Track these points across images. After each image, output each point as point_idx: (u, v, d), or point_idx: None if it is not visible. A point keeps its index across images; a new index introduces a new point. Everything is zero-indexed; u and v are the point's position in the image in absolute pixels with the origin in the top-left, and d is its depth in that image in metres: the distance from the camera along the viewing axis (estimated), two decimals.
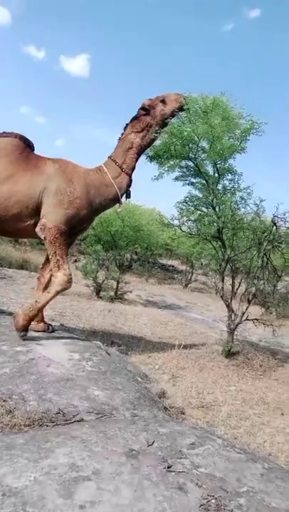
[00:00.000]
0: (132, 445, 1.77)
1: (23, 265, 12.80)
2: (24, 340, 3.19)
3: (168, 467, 1.63)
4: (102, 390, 2.54)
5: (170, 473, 1.59)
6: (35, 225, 3.47)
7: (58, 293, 3.39)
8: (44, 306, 3.39)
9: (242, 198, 5.58)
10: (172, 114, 4.12)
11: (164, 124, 4.08)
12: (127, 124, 3.92)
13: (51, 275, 3.47)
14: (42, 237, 3.40)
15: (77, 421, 2.05)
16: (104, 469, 1.54)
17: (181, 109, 4.19)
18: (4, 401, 2.11)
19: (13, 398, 2.17)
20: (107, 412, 2.25)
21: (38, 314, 3.39)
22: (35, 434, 1.82)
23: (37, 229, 3.42)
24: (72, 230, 3.58)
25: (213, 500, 1.47)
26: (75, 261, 14.49)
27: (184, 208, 5.85)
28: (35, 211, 3.45)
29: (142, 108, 3.87)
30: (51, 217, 3.39)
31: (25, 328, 3.24)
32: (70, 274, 3.41)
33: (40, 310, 3.38)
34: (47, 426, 1.94)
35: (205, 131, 4.69)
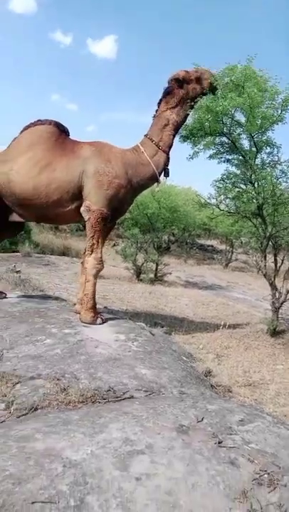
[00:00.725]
0: (182, 421, 1.81)
1: (64, 252, 13.20)
2: (103, 323, 3.40)
3: (219, 442, 1.65)
4: (149, 368, 2.60)
5: (221, 448, 1.61)
6: (75, 209, 3.53)
7: (95, 276, 3.50)
8: (94, 293, 3.49)
9: (283, 172, 5.33)
10: (203, 93, 4.01)
11: (194, 101, 3.97)
12: (161, 100, 3.81)
13: None
14: (86, 218, 3.46)
15: (128, 398, 2.12)
16: (156, 444, 1.59)
17: (212, 89, 4.06)
18: (58, 379, 2.22)
19: (66, 377, 2.28)
20: (156, 389, 2.31)
21: (95, 302, 3.49)
22: (89, 410, 1.91)
23: (82, 209, 3.47)
24: (114, 213, 3.61)
25: (265, 475, 1.48)
26: (114, 245, 14.70)
27: (221, 186, 5.70)
28: (76, 196, 3.50)
29: (176, 79, 3.74)
30: (93, 199, 3.43)
31: (95, 319, 3.39)
32: (101, 258, 3.49)
33: (93, 298, 3.48)
34: (99, 403, 2.03)
35: (241, 103, 4.48)
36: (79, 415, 1.82)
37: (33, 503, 1.20)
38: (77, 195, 3.49)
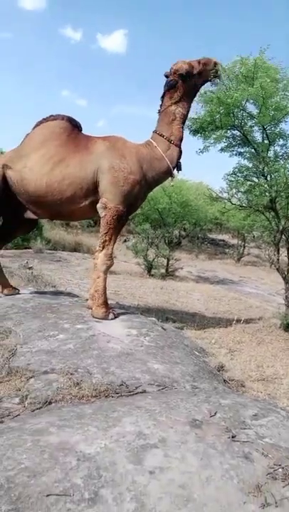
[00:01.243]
0: (195, 415, 1.80)
1: (75, 248, 13.26)
2: (115, 318, 3.42)
3: (232, 437, 1.64)
4: (162, 363, 2.60)
5: (235, 442, 1.61)
6: (90, 205, 3.52)
7: (105, 272, 3.50)
8: (105, 289, 3.50)
9: None
10: (204, 83, 3.95)
11: (195, 93, 3.92)
12: (164, 94, 3.74)
13: None
14: (101, 215, 3.45)
15: (140, 392, 2.12)
16: (169, 438, 1.59)
17: (215, 77, 3.97)
18: (71, 374, 2.23)
19: (78, 371, 2.29)
20: (168, 384, 2.31)
21: (106, 298, 3.50)
22: (102, 404, 1.92)
23: (98, 205, 3.45)
24: (128, 209, 3.59)
25: (280, 470, 1.47)
26: (125, 240, 14.73)
27: (233, 179, 5.64)
28: (90, 192, 3.47)
29: (180, 74, 3.64)
30: (109, 196, 3.41)
31: (106, 315, 3.39)
32: (111, 254, 3.49)
33: (104, 293, 3.49)
34: (112, 397, 2.04)
35: (253, 93, 4.41)
36: (92, 409, 1.83)
37: (48, 495, 1.22)
38: (92, 191, 3.47)
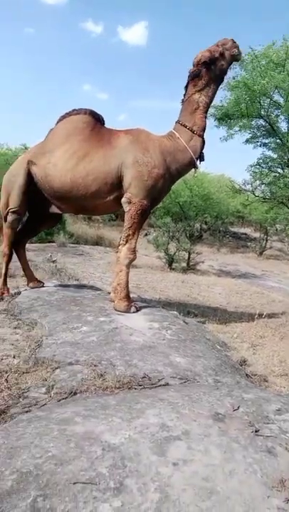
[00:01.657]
0: (218, 409, 1.81)
1: (97, 241, 13.39)
2: (137, 311, 3.46)
3: (255, 431, 1.64)
4: (184, 357, 2.61)
5: (258, 437, 1.60)
6: (114, 199, 3.53)
7: (128, 266, 3.52)
8: (127, 282, 3.52)
9: None
10: (229, 65, 3.82)
11: (222, 78, 3.83)
12: (188, 83, 3.69)
13: None
14: (126, 210, 3.46)
15: (163, 385, 2.14)
16: (192, 430, 1.60)
17: (236, 59, 3.86)
18: (95, 366, 2.28)
19: (102, 363, 2.33)
20: (190, 377, 2.32)
21: (128, 291, 3.53)
22: (126, 396, 1.95)
23: (123, 200, 3.46)
24: (152, 203, 3.60)
25: None
26: (146, 234, 14.74)
27: (257, 171, 5.54)
28: (115, 186, 3.48)
29: (204, 63, 3.58)
30: (134, 191, 3.42)
31: (128, 308, 3.43)
32: (134, 249, 3.50)
33: (127, 287, 3.52)
34: (135, 389, 2.07)
35: (281, 80, 4.28)
36: (116, 400, 1.86)
37: (74, 483, 1.26)
38: (116, 185, 3.48)
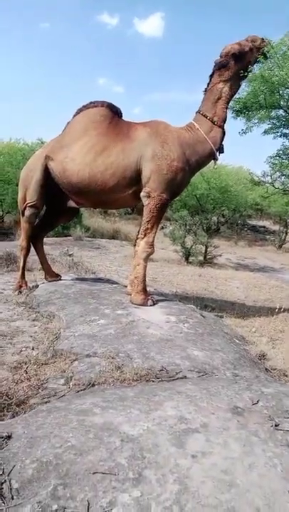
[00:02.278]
0: (237, 403, 1.79)
1: (114, 235, 13.44)
2: (154, 304, 3.46)
3: (275, 425, 1.62)
4: (201, 350, 2.59)
5: (278, 431, 1.58)
6: (133, 193, 3.51)
7: (145, 260, 3.51)
8: (144, 276, 3.52)
9: None
10: (255, 61, 3.84)
11: (247, 72, 3.79)
12: (213, 73, 3.66)
13: None
14: (145, 204, 3.44)
15: (181, 378, 2.14)
16: (211, 423, 1.59)
17: (263, 55, 3.84)
18: (113, 358, 2.29)
19: (120, 356, 2.34)
20: (208, 371, 2.30)
21: (145, 285, 3.54)
22: (144, 388, 1.95)
23: (142, 194, 3.44)
24: (171, 196, 3.58)
25: None
26: (162, 228, 14.69)
27: (276, 162, 5.41)
28: (134, 180, 3.45)
29: (233, 54, 3.57)
30: (153, 185, 3.39)
31: (145, 301, 3.44)
32: (152, 242, 3.49)
33: (144, 280, 3.52)
34: (153, 381, 2.07)
35: None
36: (134, 392, 1.87)
37: (94, 473, 1.27)
38: (135, 179, 3.45)
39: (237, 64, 3.61)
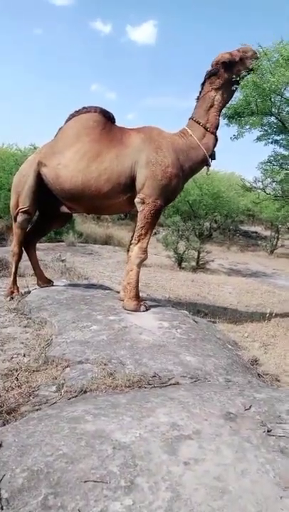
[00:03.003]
0: (229, 408, 1.79)
1: (106, 241, 13.40)
2: (147, 310, 3.44)
3: (268, 431, 1.61)
4: (194, 356, 2.59)
5: (270, 437, 1.58)
6: (127, 199, 3.51)
7: (138, 266, 3.51)
8: (137, 281, 3.51)
9: None
10: (245, 71, 3.89)
11: (238, 82, 3.85)
12: (204, 81, 3.71)
13: None
14: (139, 210, 3.44)
15: (173, 384, 2.13)
16: (204, 430, 1.59)
17: (251, 70, 3.91)
18: (105, 364, 2.27)
19: (112, 362, 2.33)
20: (201, 376, 2.30)
21: (138, 291, 3.53)
22: (136, 394, 1.94)
23: (136, 200, 3.44)
24: (166, 203, 3.59)
25: None
26: (155, 233, 14.71)
27: (268, 168, 5.48)
28: (128, 186, 3.45)
29: (223, 63, 3.63)
30: (147, 191, 3.39)
31: (138, 307, 3.43)
32: (146, 248, 3.49)
33: (137, 286, 3.51)
34: (145, 388, 2.06)
35: None
36: (126, 399, 1.85)
37: (85, 481, 1.25)
38: (129, 185, 3.45)
39: (227, 72, 3.66)
